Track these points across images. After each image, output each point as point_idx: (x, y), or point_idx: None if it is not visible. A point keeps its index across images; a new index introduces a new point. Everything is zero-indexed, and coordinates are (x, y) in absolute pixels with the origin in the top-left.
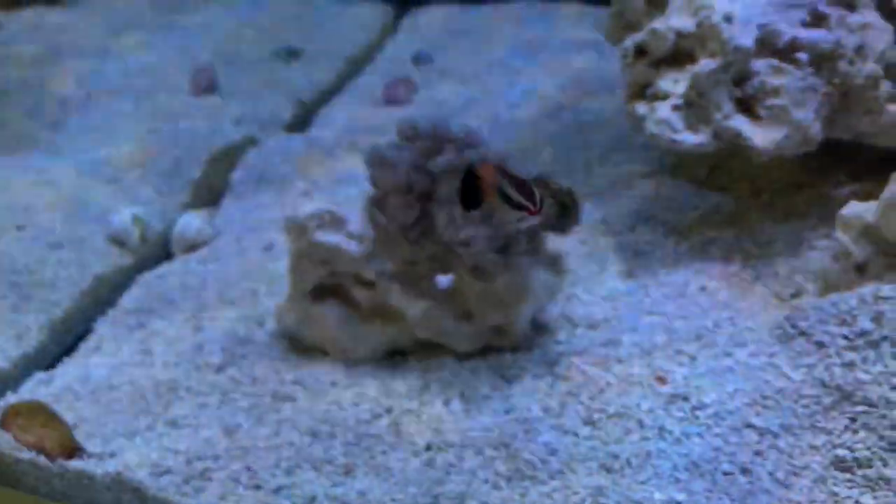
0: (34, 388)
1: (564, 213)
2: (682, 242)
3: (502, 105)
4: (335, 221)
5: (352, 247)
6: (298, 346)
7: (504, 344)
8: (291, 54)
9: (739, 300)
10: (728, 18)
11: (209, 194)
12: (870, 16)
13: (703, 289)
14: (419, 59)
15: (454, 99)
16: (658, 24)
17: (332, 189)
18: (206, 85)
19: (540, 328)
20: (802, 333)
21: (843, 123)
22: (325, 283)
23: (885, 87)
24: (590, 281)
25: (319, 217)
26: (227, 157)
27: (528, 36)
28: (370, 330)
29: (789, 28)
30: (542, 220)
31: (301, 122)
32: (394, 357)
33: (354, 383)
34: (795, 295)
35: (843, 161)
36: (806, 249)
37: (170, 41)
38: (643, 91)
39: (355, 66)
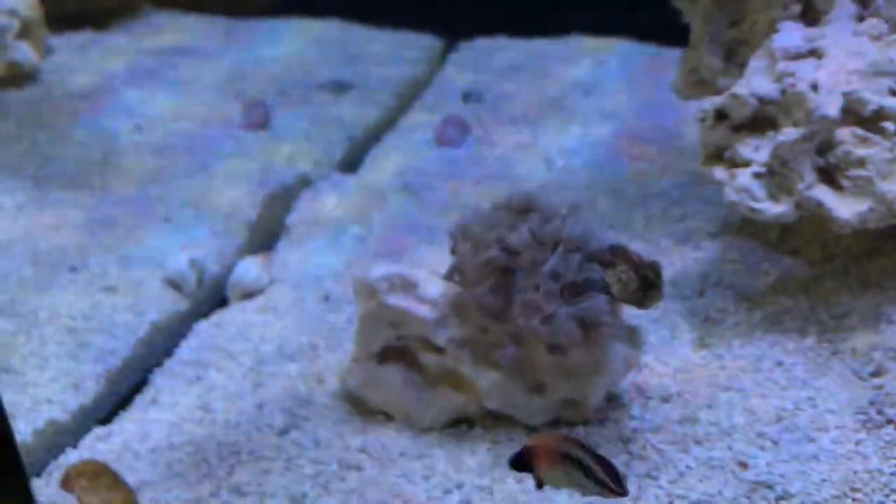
0: (92, 444)
1: (646, 287)
2: (755, 310)
3: (556, 150)
4: (405, 285)
5: (422, 311)
6: (361, 408)
7: (576, 418)
8: (340, 88)
9: (817, 377)
10: (814, 87)
11: (264, 237)
12: None
13: (779, 364)
14: (468, 97)
15: (506, 141)
16: (741, 88)
17: (387, 235)
18: (260, 120)
19: (612, 400)
20: (890, 421)
21: None
22: (392, 346)
23: None
24: (661, 349)
25: (390, 280)
26: (282, 199)
27: (580, 73)
28: (437, 396)
29: (876, 96)
30: (624, 297)
31: (354, 161)
32: (460, 426)
33: (423, 454)
34: (875, 374)
35: None
36: (884, 323)
37: (218, 73)
38: (720, 153)
39: (404, 101)
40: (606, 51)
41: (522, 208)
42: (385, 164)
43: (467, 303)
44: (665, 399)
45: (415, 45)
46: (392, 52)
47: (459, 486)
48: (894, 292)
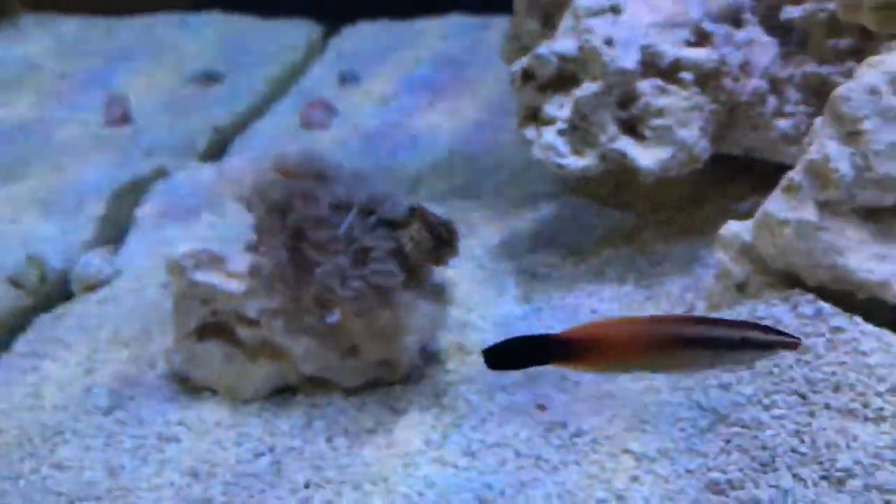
0: None
1: (440, 245)
2: (580, 264)
3: (422, 126)
4: (213, 260)
5: (231, 286)
6: (187, 385)
7: (392, 377)
8: (210, 79)
9: None
10: (608, 41)
11: (114, 231)
12: (754, 32)
13: (594, 311)
14: (345, 79)
15: (374, 120)
16: (542, 48)
17: (240, 221)
18: (120, 115)
19: (431, 358)
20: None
21: (731, 140)
22: (210, 323)
23: (771, 102)
24: (486, 306)
25: (196, 256)
26: (134, 192)
27: (455, 52)
28: (256, 368)
29: (673, 48)
30: (418, 255)
31: (218, 150)
32: (283, 394)
33: (239, 423)
34: (687, 312)
35: (745, 175)
36: (699, 266)
37: (91, 73)
38: (534, 114)
39: (278, 88)
40: (483, 27)
41: (318, 173)
42: (250, 150)
43: (269, 273)
44: None
45: (295, 32)
46: (271, 40)
47: (272, 449)
48: (712, 237)
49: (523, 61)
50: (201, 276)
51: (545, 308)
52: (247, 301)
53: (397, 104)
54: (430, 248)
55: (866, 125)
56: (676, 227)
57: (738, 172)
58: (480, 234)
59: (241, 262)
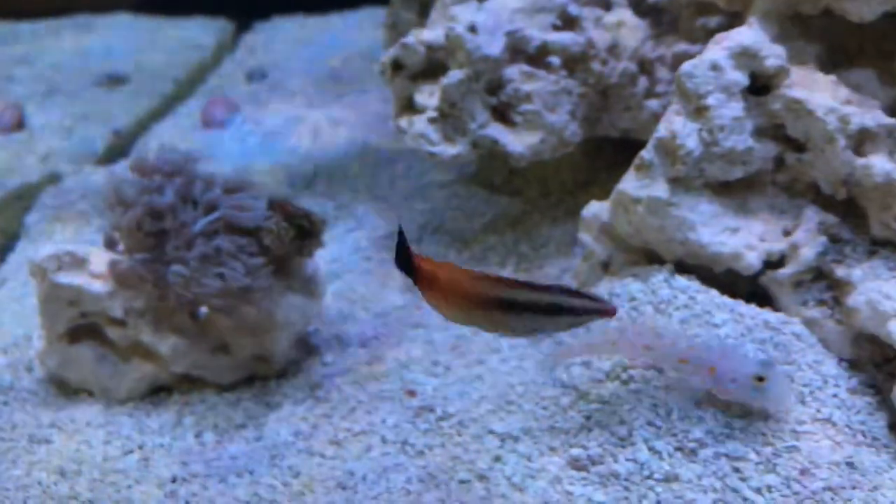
0: None
1: (303, 236)
2: (465, 250)
3: (326, 120)
4: (76, 261)
5: (95, 286)
6: (64, 388)
7: (268, 372)
8: (115, 81)
9: None
10: (472, 28)
11: (3, 238)
12: (623, 14)
13: None
14: (252, 76)
15: (276, 117)
16: (409, 38)
17: None
18: (13, 122)
19: (310, 351)
20: (551, 334)
21: (607, 122)
22: (81, 325)
23: (642, 83)
24: (368, 298)
25: (58, 258)
26: (23, 199)
27: (366, 44)
28: (129, 368)
29: (539, 33)
30: (281, 248)
31: (118, 154)
32: (159, 393)
33: (110, 422)
34: None
35: (633, 156)
36: (578, 248)
37: None
38: (410, 104)
39: (184, 88)
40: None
41: (174, 171)
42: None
43: (130, 271)
44: (362, 344)
45: (205, 31)
46: (180, 40)
47: (141, 447)
48: None
49: (392, 51)
50: (64, 279)
51: None
52: (112, 301)
53: (303, 99)
54: (292, 241)
55: (710, 101)
56: (562, 211)
57: (629, 154)
58: (368, 226)
59: (103, 261)
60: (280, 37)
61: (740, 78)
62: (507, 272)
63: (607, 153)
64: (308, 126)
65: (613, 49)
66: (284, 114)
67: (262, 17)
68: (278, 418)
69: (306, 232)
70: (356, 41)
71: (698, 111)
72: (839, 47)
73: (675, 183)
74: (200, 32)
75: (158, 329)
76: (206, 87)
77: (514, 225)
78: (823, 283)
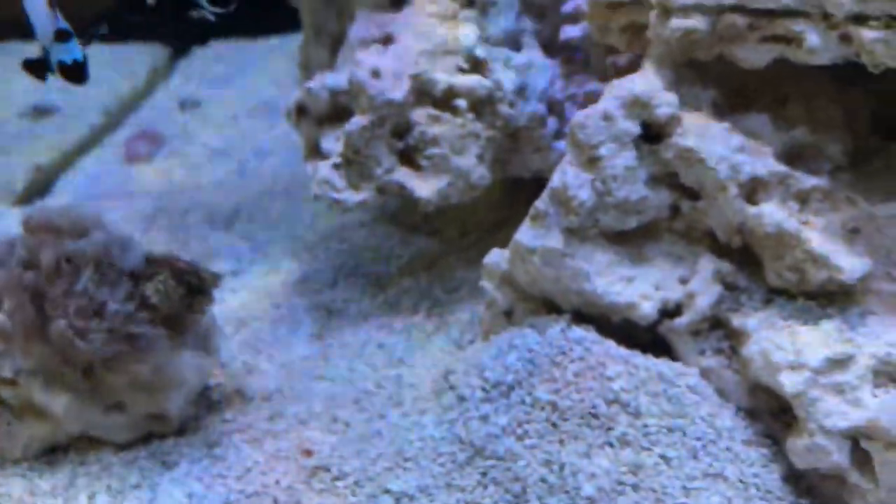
0: None
1: (192, 293)
2: (379, 295)
3: (251, 154)
4: None
5: None
6: None
7: (165, 430)
8: (42, 113)
9: (414, 354)
10: (375, 73)
11: None
12: (533, 54)
13: (381, 346)
14: (185, 105)
15: (203, 150)
16: (314, 82)
17: None
18: None
19: (211, 407)
20: (452, 387)
21: (518, 163)
22: None
23: (551, 124)
24: (275, 348)
25: None
26: None
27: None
28: (23, 428)
29: (445, 76)
30: (169, 306)
31: (40, 190)
32: (56, 453)
33: (1, 484)
34: (474, 341)
35: None
36: None
37: None
38: (318, 149)
39: (115, 118)
40: None
41: (60, 227)
42: (75, 188)
43: (16, 329)
44: (264, 398)
45: (139, 58)
46: (112, 67)
47: None
48: None
49: (296, 95)
50: None
51: (335, 345)
52: (2, 361)
53: (235, 130)
54: (180, 298)
55: (602, 151)
56: (476, 252)
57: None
58: (283, 270)
59: None
60: (217, 63)
61: (631, 127)
62: (418, 318)
63: (528, 191)
64: (237, 157)
65: (522, 91)
66: (214, 145)
67: (200, 43)
68: (172, 479)
69: (195, 289)
70: (292, 68)
71: (591, 161)
72: (737, 91)
73: (570, 233)
74: (135, 59)
75: (50, 388)
76: (137, 117)
77: (430, 267)
78: (721, 331)
